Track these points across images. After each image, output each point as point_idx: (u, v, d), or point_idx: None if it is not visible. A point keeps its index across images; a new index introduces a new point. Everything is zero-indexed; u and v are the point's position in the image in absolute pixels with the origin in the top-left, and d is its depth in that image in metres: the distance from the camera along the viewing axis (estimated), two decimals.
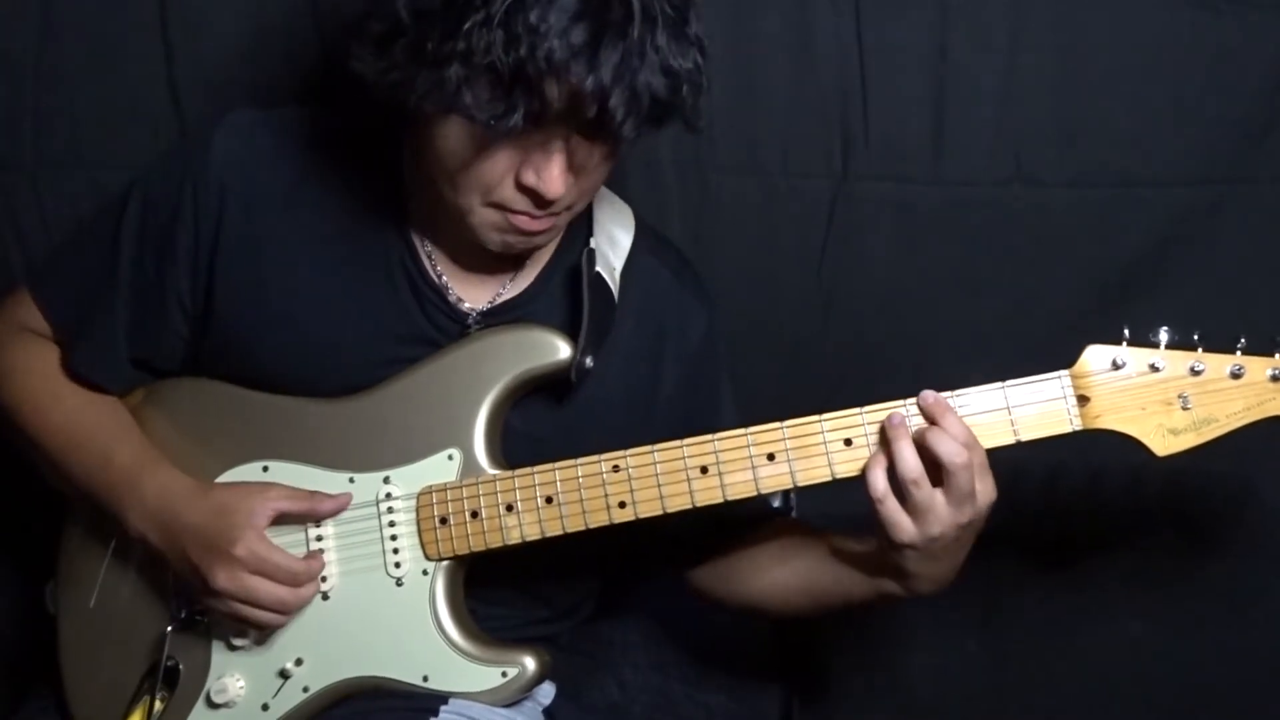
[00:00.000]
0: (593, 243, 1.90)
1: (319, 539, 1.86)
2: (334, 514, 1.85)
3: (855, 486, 1.74)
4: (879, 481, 1.70)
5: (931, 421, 1.71)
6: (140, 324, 1.92)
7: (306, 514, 1.84)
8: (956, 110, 2.25)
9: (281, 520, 1.83)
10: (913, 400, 1.73)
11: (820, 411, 1.76)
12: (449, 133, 1.65)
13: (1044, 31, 2.22)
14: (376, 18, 1.61)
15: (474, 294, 1.90)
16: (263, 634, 1.86)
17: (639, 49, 1.53)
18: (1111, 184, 2.26)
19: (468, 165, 1.68)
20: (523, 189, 1.68)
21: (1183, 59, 2.21)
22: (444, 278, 1.89)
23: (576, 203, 1.76)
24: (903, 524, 1.70)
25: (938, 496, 1.69)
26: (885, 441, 1.72)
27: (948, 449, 1.67)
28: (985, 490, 1.70)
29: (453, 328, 1.89)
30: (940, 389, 1.74)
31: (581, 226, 1.93)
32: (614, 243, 1.94)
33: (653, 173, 2.28)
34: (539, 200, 1.68)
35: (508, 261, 1.89)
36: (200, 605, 1.86)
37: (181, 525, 1.82)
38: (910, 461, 1.69)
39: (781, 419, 1.77)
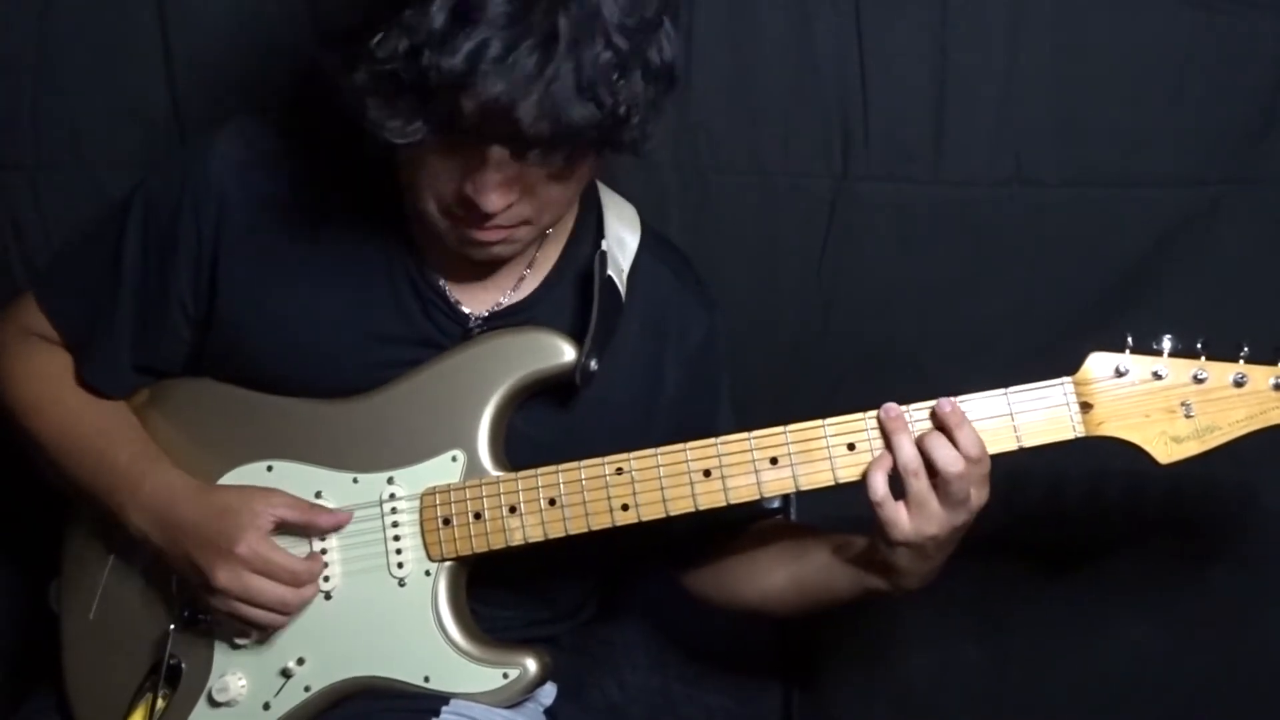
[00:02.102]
0: (604, 245, 1.90)
1: (322, 538, 1.86)
2: (332, 529, 1.85)
3: (856, 488, 1.75)
4: (879, 485, 1.71)
5: (945, 428, 1.71)
6: (143, 329, 1.93)
7: (305, 525, 1.84)
8: (956, 110, 2.25)
9: (282, 526, 1.83)
10: (916, 406, 1.74)
11: (820, 411, 1.77)
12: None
13: (1044, 31, 2.22)
14: (333, 14, 1.61)
15: (477, 301, 1.91)
16: (264, 633, 1.86)
17: (555, 67, 1.49)
18: (1111, 184, 2.26)
19: (414, 172, 1.68)
20: (464, 199, 1.66)
21: (1183, 59, 2.21)
22: (444, 282, 1.89)
23: (537, 219, 1.74)
24: (900, 523, 1.71)
25: (934, 493, 1.70)
26: (885, 434, 1.73)
27: (944, 457, 1.68)
28: (979, 496, 1.72)
29: (455, 330, 1.89)
30: (940, 389, 1.74)
31: (590, 229, 1.93)
32: (622, 245, 1.94)
33: (653, 172, 2.27)
34: (478, 212, 1.66)
35: (507, 268, 1.89)
36: (201, 605, 1.86)
37: (182, 524, 1.83)
38: (909, 451, 1.70)
39: (781, 418, 1.77)
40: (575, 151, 1.59)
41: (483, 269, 1.87)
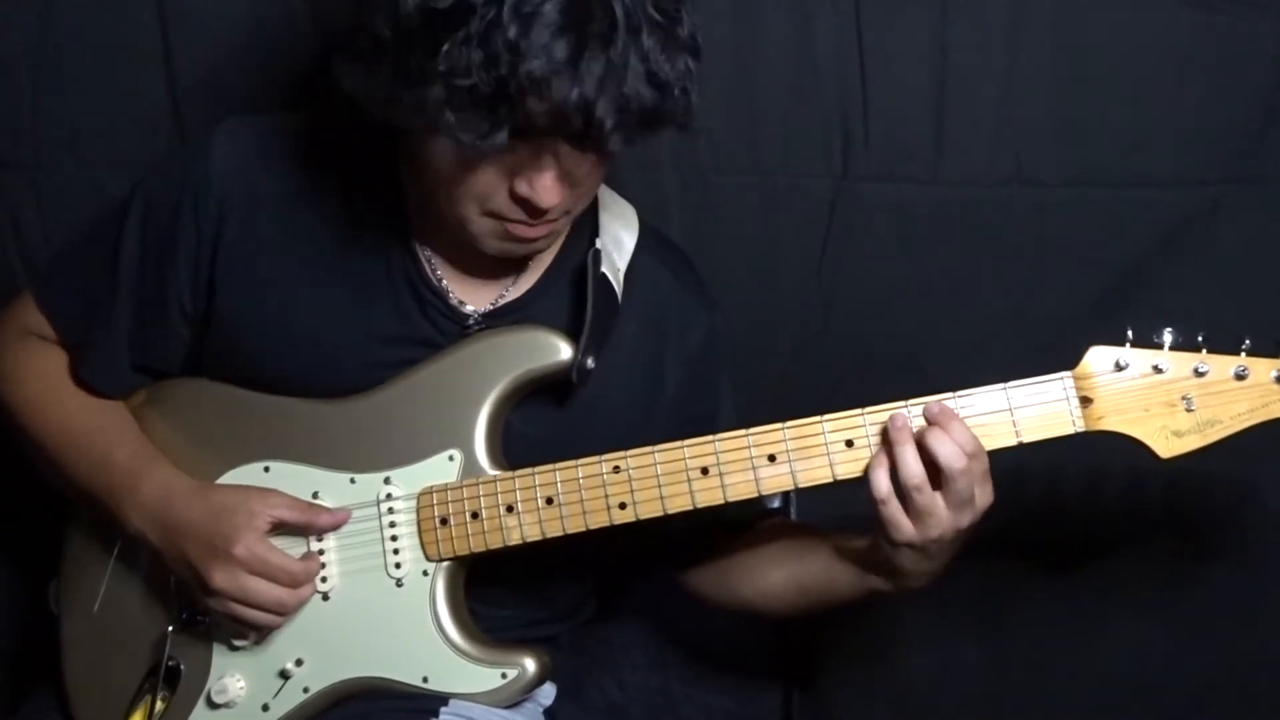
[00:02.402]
0: (599, 243, 1.90)
1: (320, 538, 1.86)
2: (331, 528, 1.85)
3: (855, 486, 1.74)
4: (882, 483, 1.70)
5: (938, 428, 1.70)
6: (141, 329, 1.93)
7: (305, 525, 1.84)
8: (956, 110, 2.25)
9: (280, 527, 1.83)
10: (915, 401, 1.73)
11: (820, 411, 1.76)
12: (439, 149, 1.65)
13: (1044, 31, 2.22)
14: (361, 34, 1.60)
15: (475, 296, 1.90)
16: (260, 634, 1.86)
17: (623, 59, 1.52)
18: (1111, 184, 2.27)
19: (461, 179, 1.68)
20: (517, 199, 1.68)
21: (1183, 59, 2.21)
22: (444, 281, 1.89)
23: (575, 207, 1.76)
24: (903, 525, 1.70)
25: (938, 500, 1.69)
26: (888, 443, 1.72)
27: (947, 452, 1.67)
28: (984, 495, 1.71)
29: (453, 329, 1.89)
30: (940, 389, 1.74)
31: (586, 227, 1.93)
32: (619, 244, 1.94)
33: (652, 173, 2.28)
34: (533, 209, 1.68)
35: (508, 264, 1.89)
36: (199, 605, 1.86)
37: (180, 524, 1.83)
38: (913, 467, 1.69)
39: (781, 419, 1.76)
40: (635, 134, 1.60)
41: (487, 265, 1.87)
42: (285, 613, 1.82)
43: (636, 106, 1.55)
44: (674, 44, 1.57)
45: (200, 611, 1.87)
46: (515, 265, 1.90)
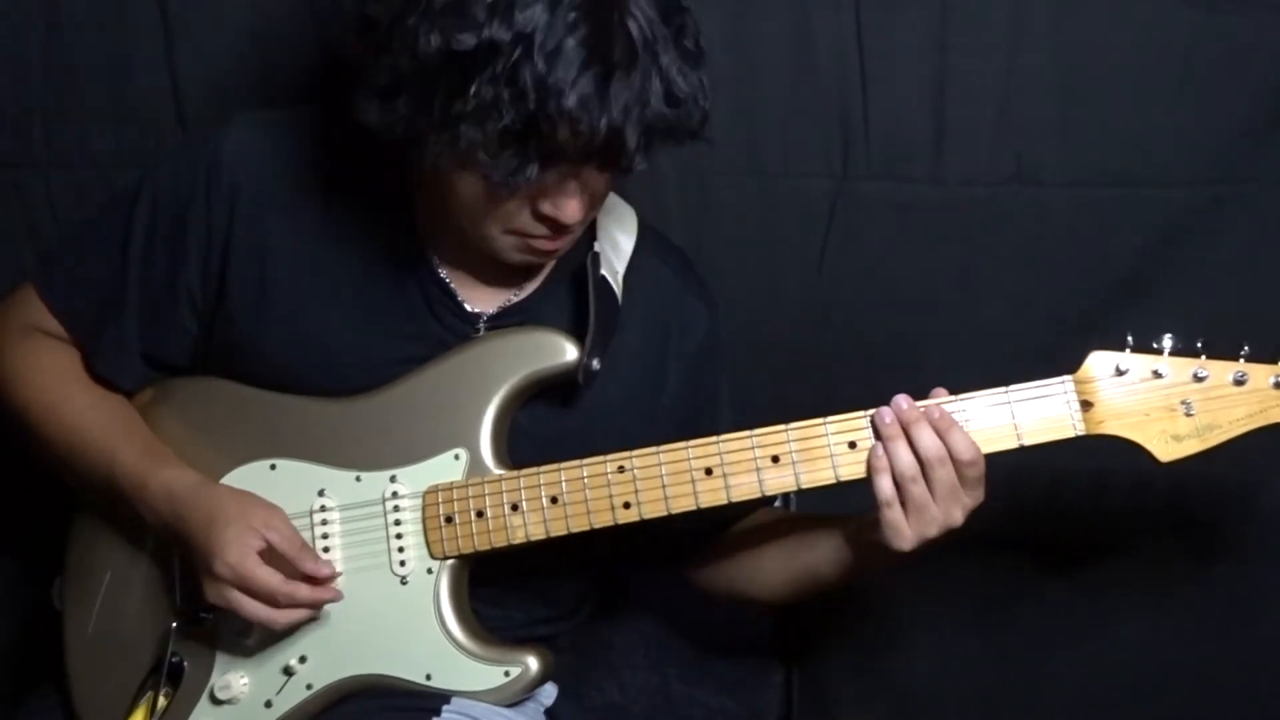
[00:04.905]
0: (596, 246, 1.90)
1: (325, 536, 1.86)
2: (311, 574, 1.80)
3: (856, 487, 1.75)
4: (886, 486, 1.72)
5: (936, 430, 1.72)
6: (151, 321, 1.93)
7: (291, 560, 1.80)
8: (956, 110, 2.25)
9: (270, 549, 1.80)
10: (917, 402, 1.74)
11: (819, 411, 1.77)
12: (465, 181, 1.68)
13: (1044, 31, 2.22)
14: (379, 70, 1.62)
15: (482, 299, 1.91)
16: (267, 631, 1.84)
17: (645, 83, 1.55)
18: (1111, 184, 2.27)
19: (486, 208, 1.71)
20: (541, 218, 1.71)
21: (1183, 59, 2.21)
22: (452, 282, 1.90)
23: (588, 217, 1.78)
24: (903, 530, 1.72)
25: (930, 494, 1.71)
26: (881, 439, 1.73)
27: (926, 442, 1.70)
28: (976, 495, 1.74)
29: (461, 328, 1.90)
30: (939, 389, 1.76)
31: (588, 229, 1.93)
32: (617, 246, 1.95)
33: (653, 173, 2.23)
34: (557, 226, 1.71)
35: (516, 269, 1.89)
36: (202, 603, 1.84)
37: (183, 530, 1.82)
38: (905, 458, 1.71)
39: (781, 419, 1.78)
40: (656, 150, 1.64)
41: (493, 269, 1.88)
42: (276, 628, 1.81)
43: (659, 126, 1.59)
44: (687, 58, 1.60)
45: (204, 608, 1.86)
46: (524, 270, 1.91)
